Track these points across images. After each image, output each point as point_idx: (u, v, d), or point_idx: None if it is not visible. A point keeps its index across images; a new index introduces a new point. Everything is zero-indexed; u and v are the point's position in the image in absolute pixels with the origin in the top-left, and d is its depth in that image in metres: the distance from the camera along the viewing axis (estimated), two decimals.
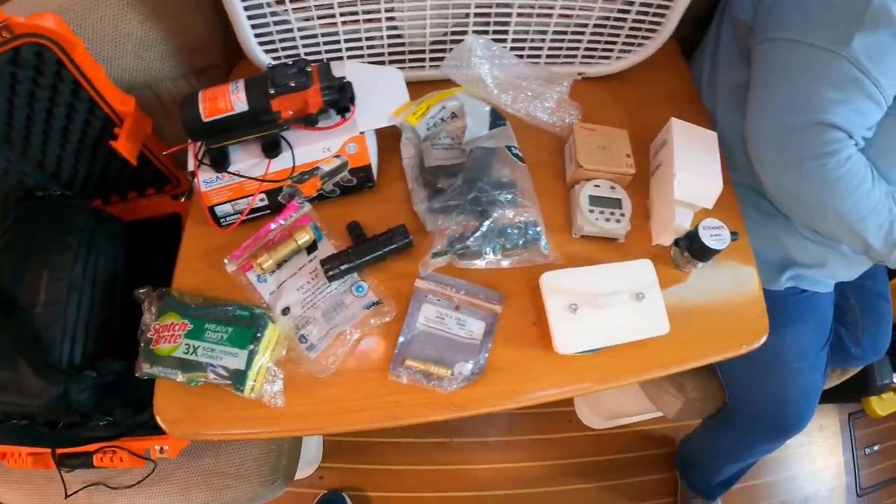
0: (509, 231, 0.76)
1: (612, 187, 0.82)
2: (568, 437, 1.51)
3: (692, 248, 0.75)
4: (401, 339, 0.72)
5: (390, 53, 0.86)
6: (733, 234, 0.75)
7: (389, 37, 0.84)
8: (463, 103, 0.81)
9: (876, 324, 1.18)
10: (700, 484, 1.45)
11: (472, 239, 0.73)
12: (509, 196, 0.76)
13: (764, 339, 0.78)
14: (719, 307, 0.79)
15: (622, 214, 0.80)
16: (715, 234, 0.73)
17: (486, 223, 0.74)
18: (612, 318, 0.71)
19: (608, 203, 0.80)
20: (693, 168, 0.77)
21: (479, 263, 0.76)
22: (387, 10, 0.81)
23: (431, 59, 0.87)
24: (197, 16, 0.93)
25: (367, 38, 0.85)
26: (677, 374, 1.13)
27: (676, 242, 0.78)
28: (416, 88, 0.84)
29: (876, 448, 1.82)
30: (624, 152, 0.82)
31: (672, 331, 0.72)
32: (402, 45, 0.86)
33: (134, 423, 0.90)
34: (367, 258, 0.76)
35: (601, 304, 0.71)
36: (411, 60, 0.88)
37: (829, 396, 1.52)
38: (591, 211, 0.79)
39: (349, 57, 0.87)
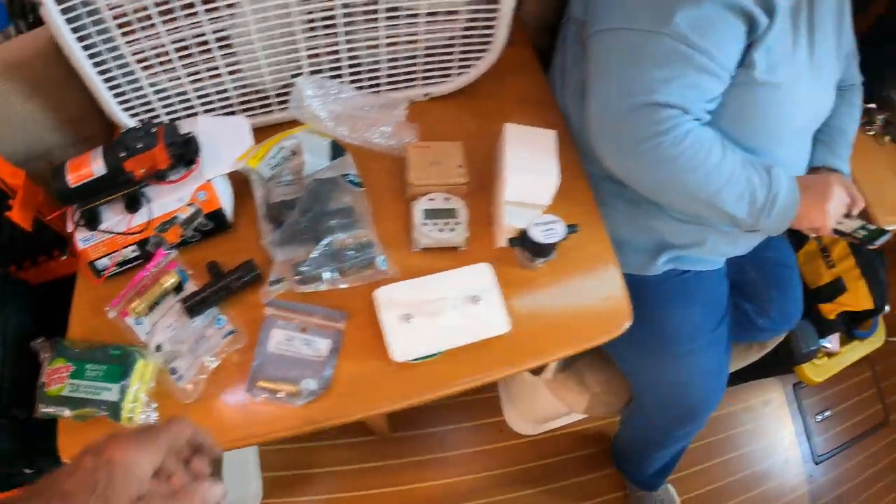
0: (346, 253, 0.82)
1: (447, 198, 0.87)
2: (503, 446, 1.53)
3: (528, 246, 0.78)
4: (254, 362, 0.79)
5: (241, 103, 0.94)
6: (570, 226, 0.78)
7: (235, 88, 0.92)
8: (300, 141, 0.88)
9: (783, 294, 1.20)
10: (637, 477, 1.47)
11: (305, 265, 0.80)
12: (344, 221, 0.83)
13: (627, 325, 0.80)
14: (576, 300, 0.82)
15: (457, 223, 0.85)
16: (548, 230, 0.75)
17: (318, 249, 0.80)
18: (445, 324, 0.76)
19: (443, 214, 0.86)
20: (525, 168, 0.81)
21: (321, 286, 0.82)
22: (228, 66, 0.89)
23: (279, 103, 0.95)
24: (71, 90, 1.01)
25: (217, 93, 0.93)
26: (577, 370, 1.17)
27: (512, 243, 0.82)
28: (268, 132, 0.91)
29: (827, 414, 1.84)
30: (456, 164, 0.88)
31: (521, 328, 0.76)
32: (249, 94, 0.93)
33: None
34: (220, 293, 0.83)
35: (433, 310, 0.76)
36: (261, 107, 0.95)
37: (759, 371, 1.56)
38: (426, 224, 0.85)
39: (205, 111, 0.95)
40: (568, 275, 0.83)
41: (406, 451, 1.50)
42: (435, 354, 0.77)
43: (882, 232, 0.90)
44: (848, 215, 0.92)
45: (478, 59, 0.97)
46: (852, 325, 1.47)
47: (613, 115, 0.78)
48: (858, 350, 1.61)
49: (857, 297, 1.38)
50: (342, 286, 0.82)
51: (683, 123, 0.75)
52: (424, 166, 0.88)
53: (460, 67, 0.98)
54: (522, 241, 0.79)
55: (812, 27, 0.85)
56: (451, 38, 0.89)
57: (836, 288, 1.38)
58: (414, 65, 0.94)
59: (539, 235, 0.75)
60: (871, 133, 1.33)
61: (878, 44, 1.34)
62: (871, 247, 0.92)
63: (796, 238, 1.42)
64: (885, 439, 1.93)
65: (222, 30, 0.81)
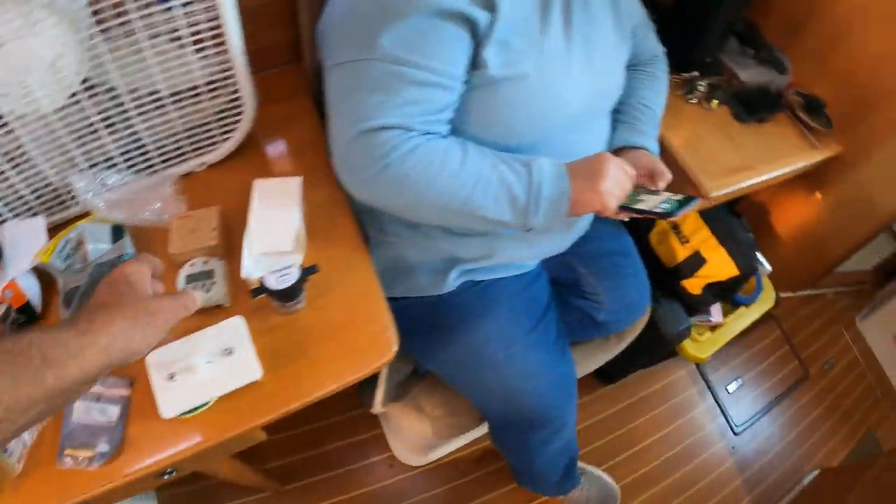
0: None
1: (206, 261, 0.85)
2: (398, 480, 1.47)
3: (269, 293, 0.76)
4: (63, 433, 0.78)
5: (40, 204, 0.92)
6: (309, 268, 0.76)
7: (31, 192, 0.90)
8: (82, 231, 0.87)
9: (618, 284, 1.17)
10: (541, 487, 1.42)
11: None
12: None
13: (394, 348, 0.79)
14: (339, 335, 0.81)
15: (213, 283, 0.83)
16: (282, 276, 0.74)
17: None
18: (204, 378, 0.75)
19: (202, 276, 0.84)
20: (266, 218, 0.82)
21: None
22: (18, 173, 0.87)
23: (72, 198, 0.93)
24: None
25: (17, 199, 0.90)
26: (413, 398, 1.14)
27: (254, 293, 0.78)
28: (68, 226, 0.89)
29: (739, 382, 1.82)
30: (211, 227, 0.86)
31: (281, 372, 0.76)
32: (45, 194, 0.92)
33: None
34: None
35: (193, 367, 0.75)
36: (58, 204, 0.94)
37: (644, 358, 1.55)
38: (187, 288, 0.82)
39: (14, 216, 0.92)
40: (331, 311, 0.82)
41: (308, 500, 1.45)
42: (201, 408, 0.76)
43: (689, 199, 0.85)
44: (654, 191, 0.89)
45: (236, 124, 0.94)
46: (727, 294, 1.45)
47: (343, 146, 0.76)
48: (748, 316, 1.60)
49: (719, 266, 1.36)
50: None
51: (406, 141, 0.74)
52: (183, 235, 0.86)
53: (223, 135, 0.95)
54: (262, 290, 0.76)
55: (569, 11, 0.83)
56: (204, 113, 0.89)
57: (694, 262, 1.36)
58: (178, 142, 0.92)
59: (273, 282, 0.74)
60: (693, 102, 1.32)
61: (691, 11, 1.34)
62: (672, 218, 0.88)
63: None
64: (808, 393, 1.91)
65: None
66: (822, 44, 1.46)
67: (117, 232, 0.89)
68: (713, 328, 1.53)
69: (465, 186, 0.76)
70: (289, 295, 0.76)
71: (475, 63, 0.76)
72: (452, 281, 0.95)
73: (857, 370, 2.03)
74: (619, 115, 1.04)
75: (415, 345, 0.99)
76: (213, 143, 0.95)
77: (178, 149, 0.93)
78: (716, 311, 1.52)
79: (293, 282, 0.74)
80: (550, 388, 1.05)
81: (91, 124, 0.85)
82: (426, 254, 0.95)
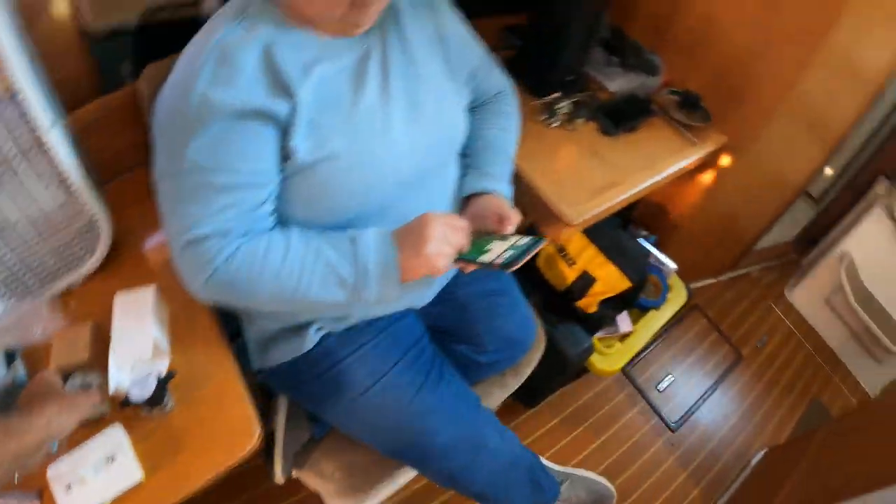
0: None
1: (85, 375, 0.83)
2: None
3: (135, 402, 0.79)
4: None
5: None
6: (167, 375, 0.79)
7: None
8: None
9: (494, 325, 1.14)
10: None
11: None
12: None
13: (257, 433, 0.81)
14: (207, 428, 0.83)
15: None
16: (143, 386, 0.78)
17: None
18: (94, 486, 0.77)
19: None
20: (126, 330, 0.84)
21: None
22: None
23: None
24: None
25: None
26: (314, 462, 1.13)
27: (122, 404, 0.80)
28: None
29: (670, 379, 1.82)
30: (83, 343, 0.86)
31: (161, 472, 0.79)
32: None
33: None
34: None
35: (84, 476, 0.77)
36: None
37: (556, 382, 1.54)
38: None
39: None
40: (200, 407, 0.84)
41: None
42: None
43: (535, 241, 0.81)
44: (503, 236, 0.87)
45: (96, 240, 0.94)
46: (626, 305, 1.45)
47: (175, 256, 0.78)
48: (660, 318, 1.60)
49: (610, 282, 1.36)
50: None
51: (226, 247, 0.75)
52: (62, 351, 0.85)
53: (85, 252, 0.94)
54: (129, 400, 0.78)
55: (387, 73, 0.83)
56: (62, 235, 0.90)
57: (584, 282, 1.35)
58: (45, 263, 0.91)
59: (135, 394, 0.77)
60: (555, 125, 1.31)
61: (546, 31, 1.33)
62: (514, 266, 0.79)
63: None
64: (744, 375, 1.93)
65: None
66: (690, 38, 1.46)
67: (10, 356, 0.88)
68: (623, 338, 1.52)
69: (291, 278, 0.77)
70: (153, 401, 0.78)
71: (285, 153, 0.76)
72: (313, 336, 0.95)
73: (793, 342, 2.05)
74: (466, 159, 1.02)
75: (308, 405, 1.02)
76: (80, 259, 0.94)
77: (48, 269, 0.92)
78: (623, 321, 1.51)
79: (152, 391, 0.77)
80: (438, 414, 1.02)
81: None
82: (286, 321, 0.95)
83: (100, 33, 1.00)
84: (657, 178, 1.27)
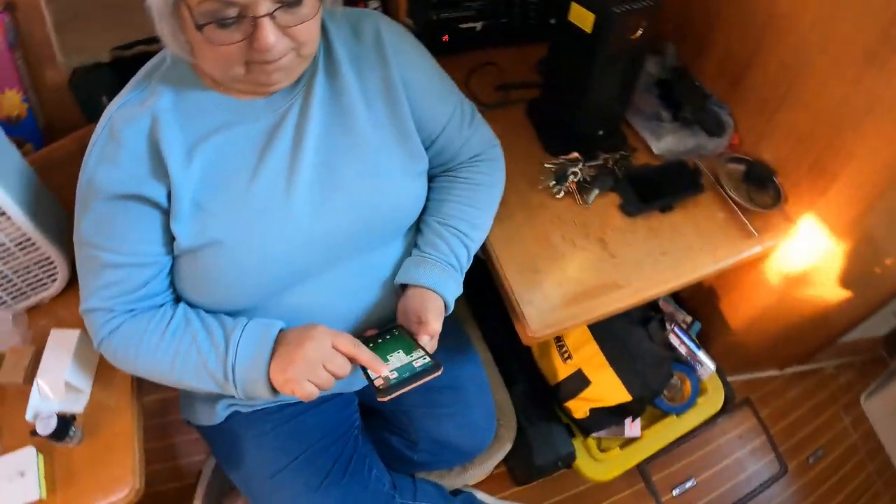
0: None
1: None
2: None
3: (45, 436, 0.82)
4: None
5: None
6: (69, 417, 0.84)
7: None
8: None
9: (431, 425, 1.01)
10: None
11: None
12: None
13: (134, 487, 0.83)
14: (96, 471, 0.85)
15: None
16: (46, 420, 0.81)
17: None
18: (4, 499, 0.81)
19: None
20: (50, 367, 0.88)
21: None
22: None
23: None
24: None
25: None
26: None
27: (33, 433, 0.83)
28: None
29: (691, 483, 1.54)
30: (23, 365, 0.90)
31: (56, 496, 0.83)
32: None
33: None
34: None
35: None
36: None
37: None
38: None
39: None
40: (98, 448, 0.87)
41: None
42: None
43: (427, 369, 0.71)
44: (415, 344, 0.76)
45: (55, 270, 0.98)
46: (622, 418, 1.20)
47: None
48: (682, 425, 1.33)
49: (606, 389, 1.12)
50: None
51: (108, 323, 0.76)
52: (9, 367, 0.91)
53: (49, 277, 0.98)
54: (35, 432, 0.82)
55: (301, 140, 0.74)
56: (23, 261, 0.93)
57: (576, 382, 1.12)
58: (12, 283, 0.96)
59: (40, 427, 0.81)
60: (561, 196, 1.06)
61: (565, 73, 1.07)
62: (392, 395, 0.69)
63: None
64: (783, 493, 1.60)
65: None
66: (769, 91, 1.13)
67: None
68: (625, 444, 1.27)
69: (165, 362, 0.75)
70: (55, 437, 0.82)
71: (171, 235, 0.74)
72: (221, 413, 0.92)
73: (853, 461, 1.68)
74: (417, 236, 0.87)
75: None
76: (44, 284, 0.98)
77: (17, 287, 0.97)
78: (630, 423, 1.26)
79: (53, 429, 0.81)
80: None
81: None
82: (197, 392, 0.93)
83: (72, 69, 1.05)
84: (680, 282, 1.00)
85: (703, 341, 1.39)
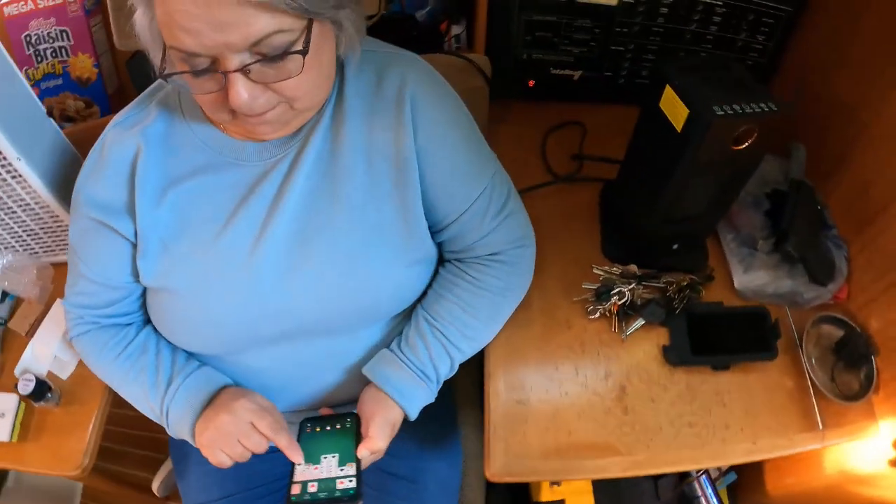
0: None
1: None
2: None
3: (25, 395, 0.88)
4: None
5: None
6: (45, 384, 0.88)
7: None
8: None
9: None
10: None
11: None
12: None
13: (82, 465, 0.85)
14: (58, 439, 0.89)
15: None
16: (26, 381, 0.86)
17: None
18: None
19: None
20: (45, 333, 0.93)
21: None
22: None
23: None
24: None
25: None
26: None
27: (16, 387, 0.89)
28: None
29: None
30: (29, 321, 0.98)
31: (23, 444, 0.90)
32: None
33: None
34: None
35: None
36: None
37: None
38: None
39: None
40: (66, 418, 0.91)
41: None
42: None
43: (345, 496, 0.64)
44: (350, 457, 0.68)
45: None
46: None
47: None
48: None
49: None
50: None
51: (76, 326, 0.80)
52: (21, 318, 0.98)
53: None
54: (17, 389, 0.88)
55: (281, 202, 0.67)
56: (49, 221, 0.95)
57: None
58: (40, 239, 0.99)
59: (21, 387, 0.86)
60: (595, 317, 0.89)
61: (637, 165, 0.88)
62: None
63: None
64: None
65: None
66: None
67: (3, 295, 1.03)
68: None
69: (115, 379, 0.79)
70: (33, 397, 0.87)
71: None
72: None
73: None
74: (404, 323, 0.79)
75: None
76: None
77: (46, 243, 1.01)
78: None
79: (31, 390, 0.85)
80: None
81: None
82: None
83: (134, 51, 1.05)
84: (694, 466, 0.83)
85: (732, 496, 1.20)
